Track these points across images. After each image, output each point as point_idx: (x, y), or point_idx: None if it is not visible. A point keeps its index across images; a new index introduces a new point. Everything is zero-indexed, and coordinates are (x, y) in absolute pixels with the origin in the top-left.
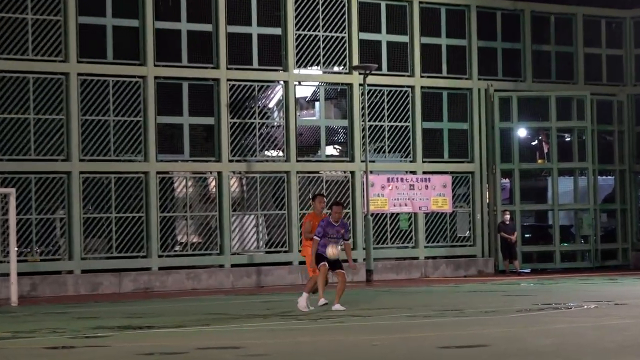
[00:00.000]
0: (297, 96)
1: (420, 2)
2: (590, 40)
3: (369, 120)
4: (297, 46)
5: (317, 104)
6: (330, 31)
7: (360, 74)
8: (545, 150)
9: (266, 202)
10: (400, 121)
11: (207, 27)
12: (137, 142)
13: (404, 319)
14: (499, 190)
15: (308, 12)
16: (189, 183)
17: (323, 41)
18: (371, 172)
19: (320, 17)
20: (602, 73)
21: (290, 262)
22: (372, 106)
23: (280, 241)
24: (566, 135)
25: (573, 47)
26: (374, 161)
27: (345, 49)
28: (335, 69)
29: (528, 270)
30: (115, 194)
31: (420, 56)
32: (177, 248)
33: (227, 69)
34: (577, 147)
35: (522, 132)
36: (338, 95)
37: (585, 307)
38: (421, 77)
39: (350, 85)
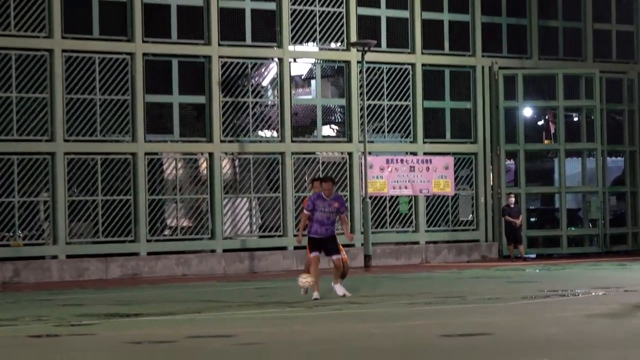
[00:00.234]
0: (292, 74)
1: None
2: (600, 15)
3: (368, 99)
4: (292, 22)
5: (313, 82)
6: (327, 6)
7: (358, 50)
8: (552, 131)
9: (260, 184)
10: (400, 100)
11: (198, 2)
12: (124, 121)
13: (404, 306)
14: (503, 172)
15: None
16: (179, 164)
17: (319, 16)
18: (370, 153)
19: None
20: (611, 50)
21: (285, 247)
22: (370, 84)
23: (274, 225)
24: (574, 114)
25: (581, 23)
26: (372, 142)
27: (342, 25)
28: (332, 45)
29: (533, 256)
30: (102, 176)
31: (421, 32)
32: (166, 232)
33: (219, 45)
34: (585, 127)
35: (527, 112)
36: (335, 73)
37: (594, 294)
38: (422, 54)
39: (348, 62)
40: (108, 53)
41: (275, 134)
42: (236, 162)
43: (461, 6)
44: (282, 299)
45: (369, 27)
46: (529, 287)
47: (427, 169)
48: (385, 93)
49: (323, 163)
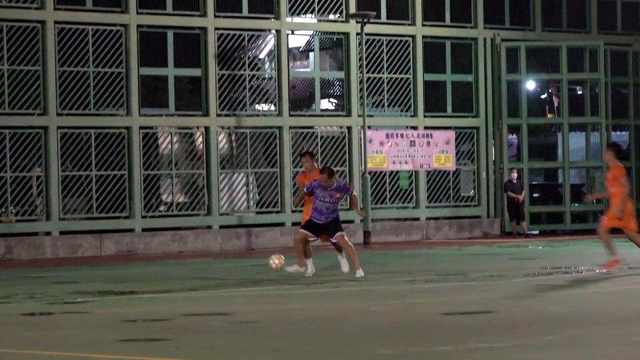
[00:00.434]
0: (289, 46)
1: None
2: None
3: (367, 72)
4: None
5: (311, 54)
6: None
7: (357, 22)
8: (556, 104)
9: (257, 159)
10: (400, 73)
11: None
12: (118, 95)
13: (404, 283)
14: (505, 147)
15: None
16: (175, 139)
17: None
18: (369, 127)
19: None
20: (616, 21)
21: (283, 223)
22: (370, 57)
23: (272, 201)
24: (578, 88)
25: None
26: (372, 116)
27: None
28: (331, 17)
29: (536, 232)
30: (96, 151)
31: (421, 3)
32: (161, 208)
33: (215, 17)
34: (589, 101)
35: (530, 85)
36: (334, 45)
37: (598, 271)
38: (423, 25)
39: (346, 34)
40: (101, 25)
41: (272, 107)
42: (233, 137)
43: None
44: (279, 277)
45: None
46: (531, 264)
47: (428, 143)
48: (385, 66)
49: (321, 137)
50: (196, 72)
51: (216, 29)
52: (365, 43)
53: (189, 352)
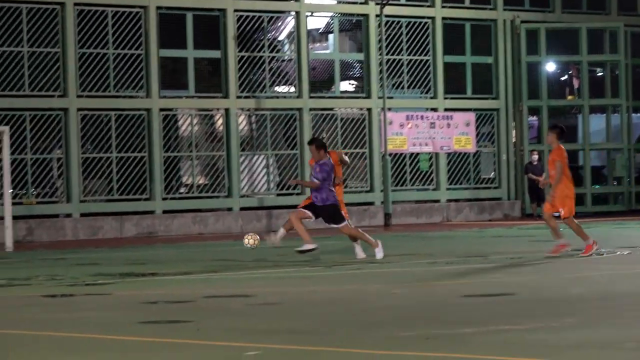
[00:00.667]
0: (309, 28)
1: None
2: None
3: (387, 54)
4: None
5: (330, 36)
6: None
7: (377, 4)
8: (576, 86)
9: (277, 141)
10: (420, 55)
11: None
12: (138, 77)
13: (425, 265)
14: (526, 129)
15: None
16: (195, 121)
17: None
18: (389, 109)
19: None
20: (636, 2)
21: None
22: (389, 38)
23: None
24: (598, 69)
25: None
26: (392, 97)
27: None
28: None
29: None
30: (116, 132)
31: None
32: (182, 190)
33: None
34: (609, 83)
35: (550, 67)
36: (353, 27)
37: (619, 253)
38: (442, 7)
39: (366, 16)
40: (121, 6)
41: (292, 89)
42: (253, 119)
43: None
44: (299, 258)
45: None
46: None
47: (448, 125)
48: (405, 47)
49: (342, 119)
50: (216, 53)
51: (235, 10)
52: (385, 25)
53: (209, 334)
